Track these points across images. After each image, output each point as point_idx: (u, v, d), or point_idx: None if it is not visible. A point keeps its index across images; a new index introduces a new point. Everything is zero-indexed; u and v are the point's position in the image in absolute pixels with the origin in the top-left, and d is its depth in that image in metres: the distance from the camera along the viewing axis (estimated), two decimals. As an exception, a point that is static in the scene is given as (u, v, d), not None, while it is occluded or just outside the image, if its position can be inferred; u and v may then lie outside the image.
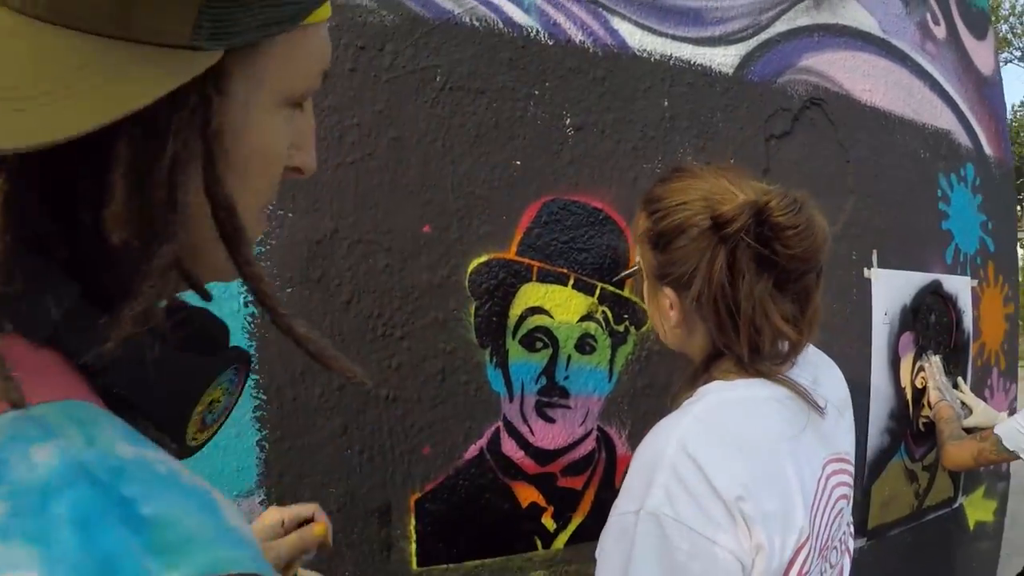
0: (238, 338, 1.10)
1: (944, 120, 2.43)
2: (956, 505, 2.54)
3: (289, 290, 1.12)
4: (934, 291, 2.31)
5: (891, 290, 2.13)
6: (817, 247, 0.97)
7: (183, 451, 0.51)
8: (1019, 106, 27.55)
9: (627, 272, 1.43)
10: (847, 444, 1.12)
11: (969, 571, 2.63)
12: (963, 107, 2.55)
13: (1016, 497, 6.92)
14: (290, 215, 1.13)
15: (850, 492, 1.10)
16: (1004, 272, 2.74)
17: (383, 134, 1.21)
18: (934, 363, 2.27)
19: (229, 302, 1.09)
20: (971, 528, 2.65)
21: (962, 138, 2.52)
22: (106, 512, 0.36)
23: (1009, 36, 26.47)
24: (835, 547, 1.08)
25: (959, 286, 2.42)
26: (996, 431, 2.01)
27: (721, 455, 0.92)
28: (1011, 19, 26.24)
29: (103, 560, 0.34)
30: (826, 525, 1.03)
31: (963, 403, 2.31)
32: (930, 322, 2.30)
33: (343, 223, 1.17)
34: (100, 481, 0.37)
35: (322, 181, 1.15)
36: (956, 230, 2.43)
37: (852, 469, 1.11)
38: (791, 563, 0.94)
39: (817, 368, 1.11)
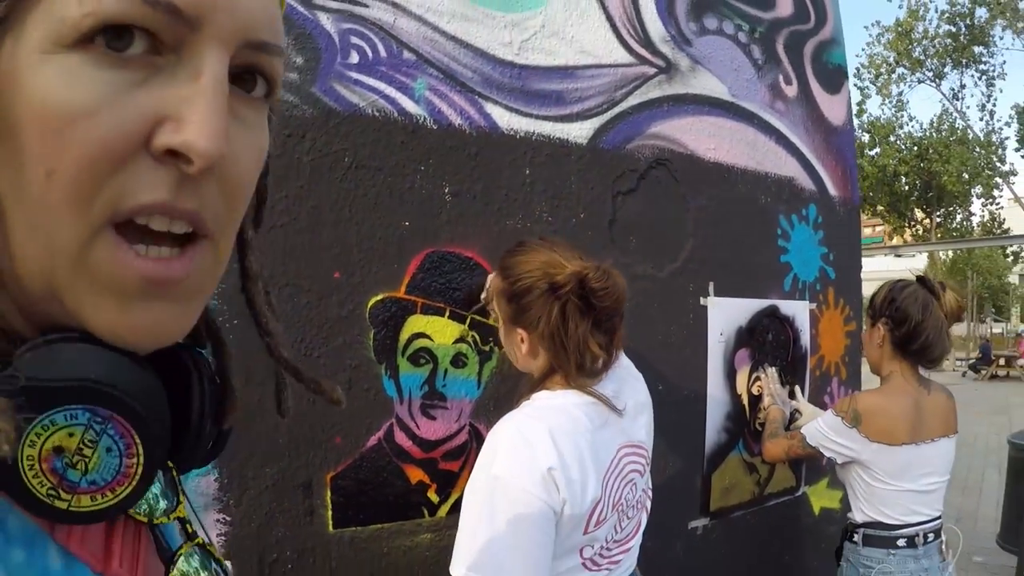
0: None
1: (788, 168, 2.77)
2: (799, 493, 2.85)
3: (235, 322, 1.36)
4: (771, 313, 2.66)
5: (726, 314, 2.47)
6: (619, 300, 1.41)
7: (55, 515, 0.41)
8: (929, 126, 28.42)
9: (477, 307, 1.74)
10: (642, 435, 1.53)
11: (818, 551, 2.93)
12: (809, 155, 2.88)
13: (965, 495, 7.39)
14: (233, 264, 1.44)
15: (642, 468, 1.51)
16: (845, 295, 3.09)
17: (304, 204, 1.52)
18: (770, 374, 2.59)
19: None
20: (816, 513, 2.96)
21: (806, 183, 2.86)
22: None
23: (922, 57, 27.31)
24: (633, 505, 1.49)
25: (797, 309, 2.79)
26: (802, 431, 2.27)
27: (542, 439, 1.31)
28: (924, 42, 27.11)
29: None
30: (618, 489, 1.43)
31: (796, 409, 2.59)
32: (767, 340, 2.65)
33: (275, 271, 1.47)
34: None
35: (258, 239, 1.47)
36: (795, 262, 2.78)
37: (645, 452, 1.53)
38: (590, 513, 1.35)
39: (623, 381, 1.52)
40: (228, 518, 1.45)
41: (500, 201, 1.83)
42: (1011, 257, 32.42)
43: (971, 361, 21.99)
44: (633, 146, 2.18)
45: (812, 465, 2.90)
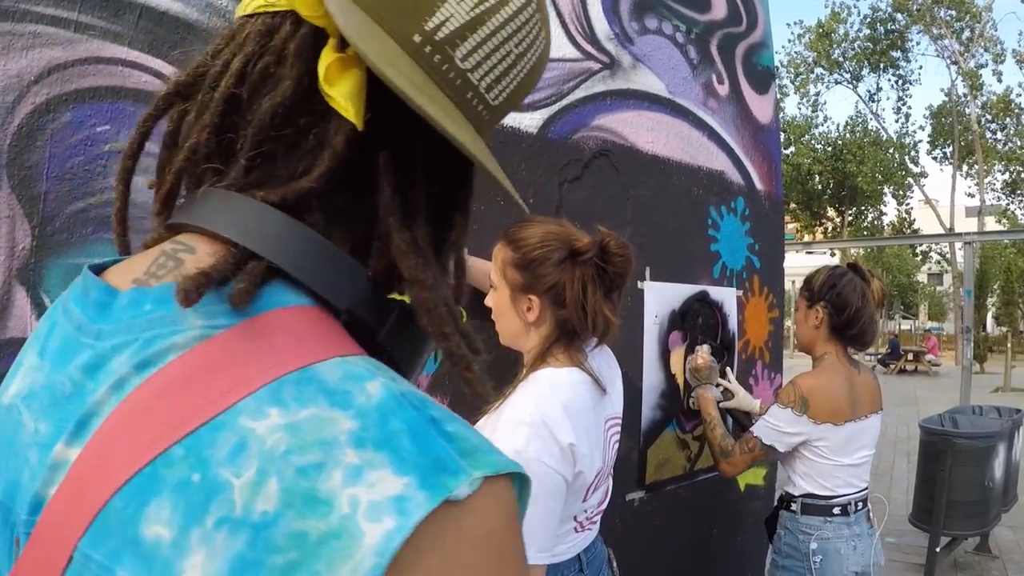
0: None
1: (719, 163, 2.94)
2: None
3: None
4: (701, 299, 2.82)
5: (661, 298, 2.61)
6: (630, 268, 1.53)
7: None
8: (844, 127, 29.22)
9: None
10: (619, 407, 1.66)
11: (744, 525, 3.11)
12: (738, 151, 3.06)
13: (876, 481, 7.71)
14: None
15: (619, 437, 1.65)
16: (769, 284, 3.28)
17: None
18: (703, 349, 2.64)
19: None
20: (742, 489, 3.14)
21: (735, 176, 3.04)
22: (427, 427, 0.43)
23: (840, 59, 28.16)
24: (610, 471, 1.63)
25: (725, 295, 2.96)
26: (755, 432, 2.33)
27: (560, 415, 1.40)
28: (843, 44, 27.99)
29: (435, 459, 0.42)
30: (609, 459, 1.57)
31: (726, 388, 2.71)
32: (698, 323, 2.81)
33: None
34: (416, 406, 0.44)
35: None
36: (724, 251, 2.96)
37: (620, 422, 1.66)
38: (592, 482, 1.48)
39: (599, 357, 1.64)
40: None
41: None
42: (920, 256, 33.81)
43: (880, 356, 22.87)
44: (578, 137, 2.31)
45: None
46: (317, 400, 0.43)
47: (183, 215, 0.55)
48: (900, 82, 28.97)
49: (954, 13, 26.90)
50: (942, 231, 27.13)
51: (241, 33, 0.54)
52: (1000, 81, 38.26)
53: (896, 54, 28.40)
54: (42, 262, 1.38)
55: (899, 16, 27.59)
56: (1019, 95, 34.75)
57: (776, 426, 2.31)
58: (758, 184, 3.21)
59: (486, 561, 0.43)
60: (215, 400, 0.43)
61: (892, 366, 21.78)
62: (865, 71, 28.74)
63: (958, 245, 22.81)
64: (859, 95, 31.09)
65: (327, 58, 0.49)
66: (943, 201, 30.10)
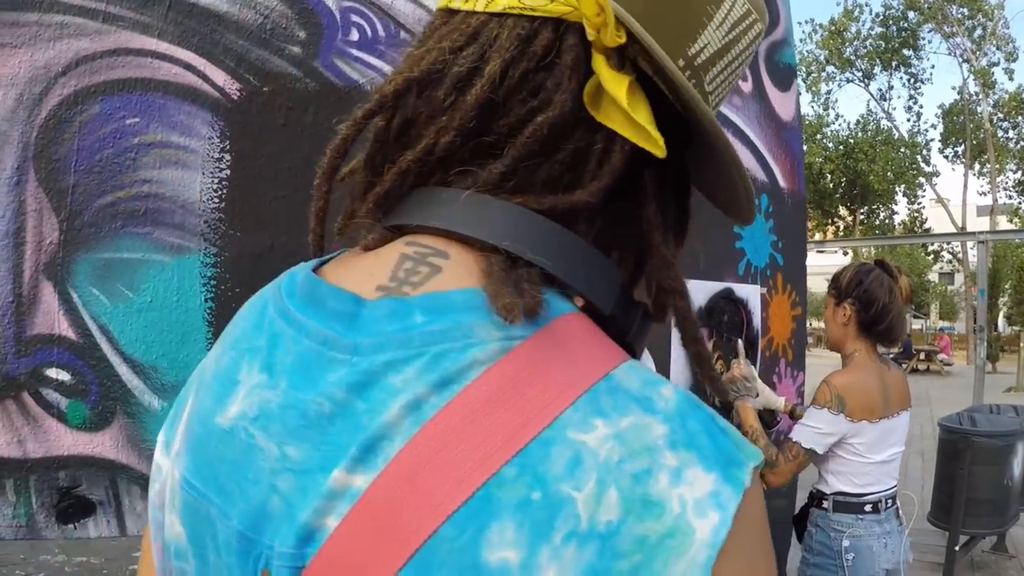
0: (199, 325, 1.45)
1: (743, 160, 2.92)
2: None
3: (238, 290, 1.46)
4: (727, 296, 2.79)
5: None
6: None
7: None
8: (855, 125, 29.18)
9: None
10: None
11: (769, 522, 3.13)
12: (762, 149, 3.03)
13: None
14: (239, 234, 1.49)
15: None
16: (792, 282, 3.24)
17: (306, 175, 1.57)
18: (740, 351, 2.62)
19: (193, 298, 1.44)
20: (764, 488, 3.16)
21: (759, 174, 3.01)
22: (712, 425, 0.45)
23: (852, 58, 28.14)
24: None
25: (749, 292, 2.93)
26: (794, 438, 2.28)
27: None
28: (855, 42, 27.95)
29: (727, 454, 0.44)
30: None
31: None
32: (723, 321, 2.78)
33: (278, 241, 1.52)
34: (698, 405, 0.46)
35: (262, 208, 1.51)
36: (748, 248, 2.92)
37: None
38: None
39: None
40: None
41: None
42: (931, 255, 33.69)
43: (893, 355, 22.74)
44: (607, 133, 2.26)
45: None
46: (631, 408, 0.44)
47: (414, 216, 0.53)
48: (912, 80, 28.88)
49: (966, 11, 26.78)
50: (954, 230, 27.01)
51: (489, 33, 0.51)
52: (1012, 79, 38.00)
53: (908, 52, 28.30)
54: (70, 257, 1.36)
55: (911, 14, 27.49)
56: (1032, 93, 34.57)
57: (816, 428, 2.27)
58: (781, 181, 3.18)
59: (763, 540, 0.46)
60: (535, 416, 0.43)
61: (904, 365, 21.53)
62: (877, 69, 28.66)
63: (971, 244, 22.80)
64: (871, 93, 30.97)
65: (619, 79, 0.49)
66: (954, 200, 29.99)
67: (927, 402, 13.57)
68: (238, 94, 1.50)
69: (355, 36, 1.66)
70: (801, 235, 3.42)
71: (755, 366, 2.91)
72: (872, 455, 2.29)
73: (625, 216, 0.56)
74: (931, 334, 31.98)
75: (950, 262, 32.77)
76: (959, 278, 35.38)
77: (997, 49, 27.15)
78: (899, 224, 31.90)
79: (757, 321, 2.99)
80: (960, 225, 27.87)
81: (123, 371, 1.39)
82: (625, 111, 0.48)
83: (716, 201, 0.63)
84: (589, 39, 0.49)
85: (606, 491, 0.41)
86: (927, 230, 30.60)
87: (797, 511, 2.59)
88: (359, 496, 0.43)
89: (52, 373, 1.35)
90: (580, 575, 0.39)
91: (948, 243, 29.76)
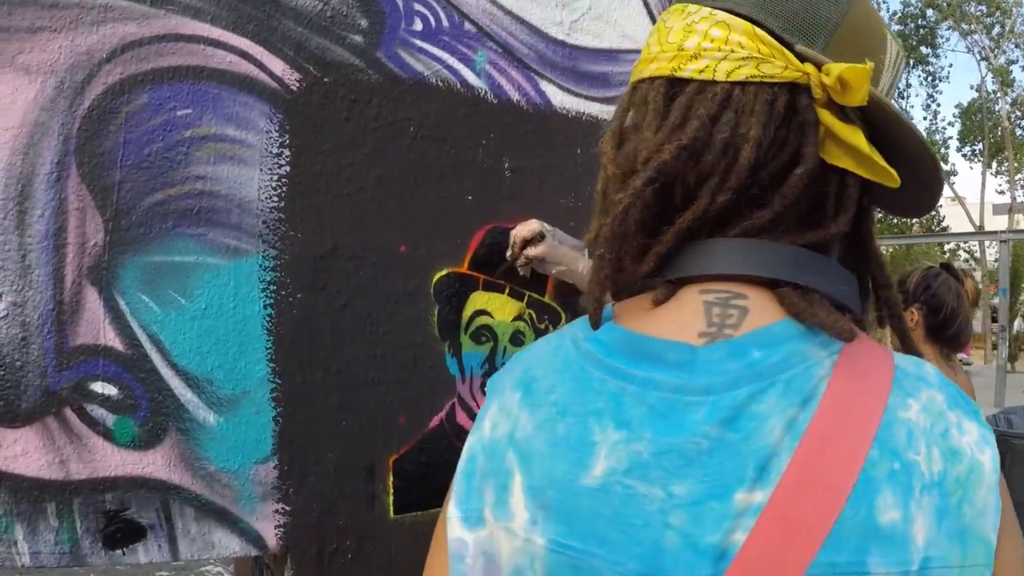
0: (257, 334, 1.33)
1: None
2: None
3: (299, 295, 1.36)
4: None
5: None
6: None
7: None
8: None
9: (502, 268, 1.66)
10: None
11: None
12: None
13: None
14: (299, 235, 1.37)
15: None
16: None
17: (370, 173, 1.46)
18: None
19: (251, 305, 1.32)
20: None
21: None
22: (953, 386, 0.57)
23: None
24: None
25: None
26: None
27: None
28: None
29: (971, 405, 0.56)
30: None
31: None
32: None
33: (340, 242, 1.41)
34: (940, 375, 0.58)
35: (324, 207, 1.39)
36: None
37: None
38: None
39: None
40: (287, 508, 1.38)
41: (555, 179, 1.80)
42: (947, 255, 33.47)
43: (909, 355, 22.66)
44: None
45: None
46: (920, 386, 0.56)
47: (697, 267, 0.60)
48: (930, 79, 28.64)
49: (984, 8, 26.55)
50: (971, 228, 26.83)
51: (738, 100, 0.59)
52: (1031, 77, 37.74)
53: (926, 50, 28.07)
54: (116, 260, 1.24)
55: (929, 11, 27.26)
56: (1051, 91, 34.34)
57: None
58: None
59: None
60: (875, 408, 0.54)
61: (922, 366, 21.54)
62: (895, 67, 28.35)
63: (990, 243, 22.64)
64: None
65: (852, 130, 0.58)
66: (970, 198, 29.77)
67: (950, 403, 13.41)
68: (297, 85, 1.38)
69: (419, 26, 1.54)
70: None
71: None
72: None
73: (852, 234, 0.65)
74: (948, 334, 31.61)
75: (967, 261, 32.53)
76: (977, 277, 35.06)
77: (1016, 47, 26.93)
78: (916, 222, 31.62)
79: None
80: (978, 224, 27.64)
81: (175, 384, 1.27)
82: (866, 154, 0.58)
83: (893, 207, 0.70)
84: (815, 96, 0.59)
85: (931, 451, 0.53)
86: (944, 229, 30.36)
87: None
88: (762, 509, 0.51)
89: (98, 387, 1.23)
90: (934, 515, 0.51)
91: (965, 242, 29.57)
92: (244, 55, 1.34)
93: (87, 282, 1.23)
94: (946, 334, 2.30)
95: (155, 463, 1.25)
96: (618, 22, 1.98)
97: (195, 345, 1.28)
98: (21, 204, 1.17)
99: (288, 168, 1.36)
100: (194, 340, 1.27)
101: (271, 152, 1.34)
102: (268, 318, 1.34)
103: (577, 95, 1.86)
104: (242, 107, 1.31)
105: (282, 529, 1.36)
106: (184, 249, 1.27)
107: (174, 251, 1.26)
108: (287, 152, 1.36)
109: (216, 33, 1.31)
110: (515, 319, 1.68)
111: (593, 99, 1.90)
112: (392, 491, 1.51)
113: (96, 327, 1.23)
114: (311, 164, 1.39)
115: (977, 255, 28.47)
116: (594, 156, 2.00)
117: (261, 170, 1.33)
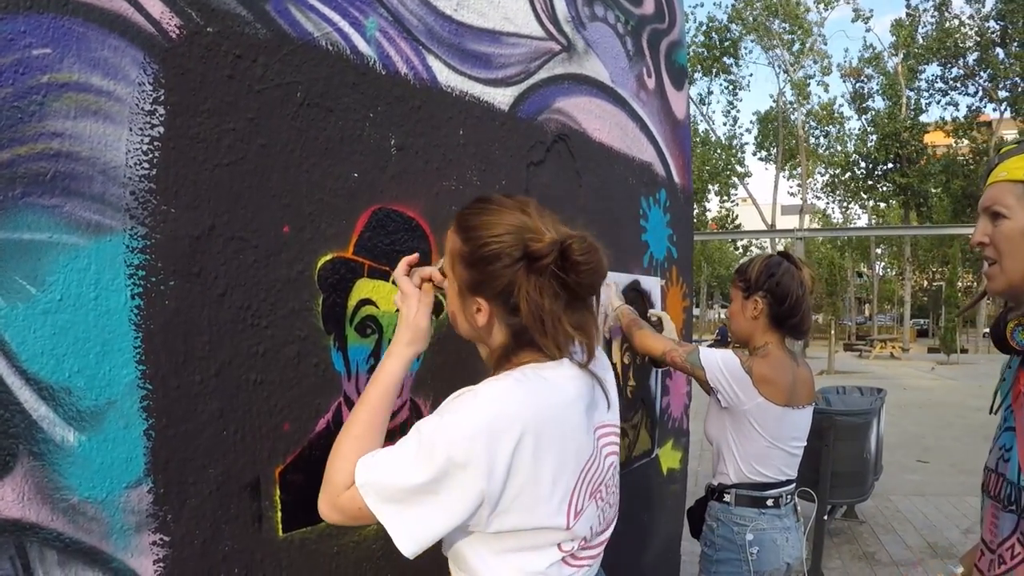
0: (124, 330, 1.10)
1: (648, 154, 2.89)
2: (653, 455, 3.01)
3: (172, 283, 1.15)
4: (635, 288, 2.77)
5: (604, 287, 2.47)
6: (601, 279, 1.26)
7: None
8: None
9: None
10: (616, 418, 1.41)
11: (665, 509, 3.14)
12: (662, 144, 3.04)
13: None
14: (173, 210, 1.15)
15: (617, 450, 1.40)
16: (683, 274, 3.31)
17: (254, 141, 1.28)
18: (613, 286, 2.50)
19: (116, 295, 1.09)
20: (664, 473, 3.15)
21: (659, 169, 3.01)
22: None
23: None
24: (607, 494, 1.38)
25: (652, 284, 2.94)
26: (699, 348, 2.29)
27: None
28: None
29: None
30: (601, 476, 1.32)
31: (659, 319, 2.65)
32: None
33: (219, 220, 1.22)
34: None
35: (201, 179, 1.19)
36: (651, 241, 2.92)
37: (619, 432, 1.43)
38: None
39: (602, 366, 1.39)
40: (166, 538, 1.17)
41: (438, 161, 1.70)
42: (740, 250, 36.06)
43: (709, 342, 24.27)
44: (543, 119, 2.15)
45: (662, 428, 3.08)
46: None
47: None
48: (731, 87, 30.65)
49: (787, 26, 28.76)
50: (763, 227, 29.08)
51: None
52: (827, 91, 41.42)
53: (729, 60, 30.03)
54: (-57, 237, 0.99)
55: (734, 26, 29.17)
56: (842, 105, 37.86)
57: (721, 362, 2.26)
58: (676, 177, 3.23)
59: None
60: None
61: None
62: (698, 75, 30.11)
63: (780, 240, 24.58)
64: (691, 97, 32.54)
65: None
66: (761, 198, 32.20)
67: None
68: (177, 32, 1.17)
69: (309, -19, 1.38)
70: (689, 230, 3.48)
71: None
72: (775, 440, 2.29)
73: None
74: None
75: (757, 256, 35.24)
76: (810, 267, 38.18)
77: (814, 63, 29.36)
78: (711, 220, 33.81)
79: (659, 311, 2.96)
80: (770, 223, 29.96)
81: (25, 396, 1.00)
82: None
83: None
84: None
85: None
86: (737, 227, 32.68)
87: (691, 504, 2.58)
88: None
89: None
90: None
91: (758, 239, 31.96)
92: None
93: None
94: (790, 322, 2.32)
95: (4, 499, 0.99)
96: (501, 4, 1.92)
97: (48, 346, 1.03)
98: None
99: (162, 129, 1.15)
100: (47, 340, 1.02)
101: (143, 109, 1.13)
102: (136, 310, 1.12)
103: (461, 73, 1.78)
104: (111, 52, 1.09)
105: (162, 564, 1.16)
106: (34, 224, 1.01)
107: (22, 227, 1.00)
108: (161, 110, 1.15)
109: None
110: (398, 309, 1.55)
111: (476, 79, 1.83)
112: (280, 507, 1.34)
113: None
114: (188, 126, 1.18)
115: (769, 251, 31.05)
116: (476, 140, 1.96)
117: (131, 130, 1.11)
